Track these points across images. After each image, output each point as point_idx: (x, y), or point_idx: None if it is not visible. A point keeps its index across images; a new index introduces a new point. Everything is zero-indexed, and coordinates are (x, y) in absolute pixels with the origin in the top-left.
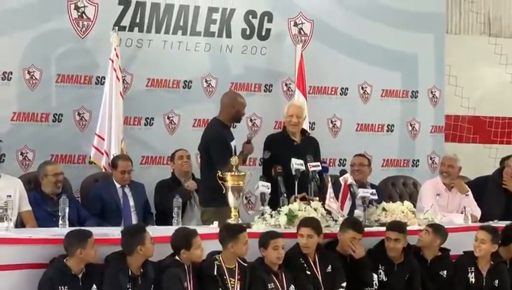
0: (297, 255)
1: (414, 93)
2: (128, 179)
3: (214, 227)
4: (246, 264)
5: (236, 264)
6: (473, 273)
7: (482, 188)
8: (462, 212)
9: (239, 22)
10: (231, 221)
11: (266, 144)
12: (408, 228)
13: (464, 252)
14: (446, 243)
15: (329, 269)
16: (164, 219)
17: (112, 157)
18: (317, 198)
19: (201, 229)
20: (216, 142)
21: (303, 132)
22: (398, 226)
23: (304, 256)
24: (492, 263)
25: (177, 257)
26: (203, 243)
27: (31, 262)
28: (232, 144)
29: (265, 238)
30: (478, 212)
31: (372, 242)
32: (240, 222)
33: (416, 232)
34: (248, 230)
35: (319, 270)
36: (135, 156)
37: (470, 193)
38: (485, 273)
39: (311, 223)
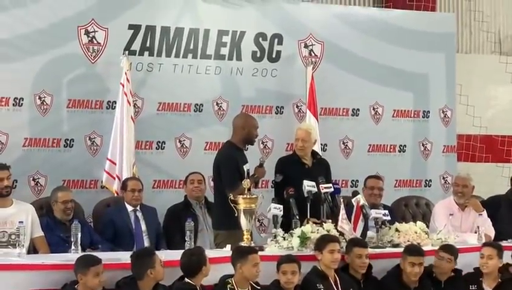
0: (315, 280)
1: (426, 113)
2: (138, 198)
3: (227, 250)
4: (259, 288)
5: (249, 288)
6: None
7: (495, 208)
8: (475, 232)
9: (249, 44)
10: (243, 244)
11: (278, 167)
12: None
13: (474, 269)
14: (460, 263)
15: None
16: (173, 244)
17: None
18: (330, 220)
19: (214, 253)
20: (226, 165)
21: (314, 154)
22: (419, 250)
23: (322, 280)
24: (500, 280)
25: (187, 280)
26: (215, 266)
27: (43, 288)
28: (245, 167)
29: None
30: (492, 232)
31: (385, 264)
32: (253, 244)
33: (430, 253)
34: (261, 253)
35: None
36: (147, 180)
37: (484, 212)
38: None
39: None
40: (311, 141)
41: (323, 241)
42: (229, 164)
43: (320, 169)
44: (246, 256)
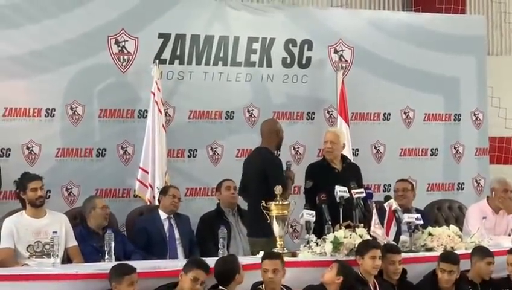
0: (355, 286)
1: (457, 116)
2: (178, 204)
3: (259, 257)
4: None
5: None
6: None
7: None
8: (509, 235)
9: (279, 50)
10: (276, 250)
11: (307, 173)
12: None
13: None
14: (494, 266)
15: None
16: (207, 251)
17: (156, 190)
18: (362, 225)
19: (247, 259)
20: (276, 170)
21: (343, 158)
22: (452, 258)
23: (362, 285)
24: None
25: (221, 287)
26: (249, 273)
27: None
28: None
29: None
30: None
31: (420, 268)
32: (286, 251)
33: (464, 256)
34: (294, 259)
35: None
36: (179, 188)
37: None
38: None
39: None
40: (340, 143)
41: (366, 247)
42: (279, 168)
43: (350, 173)
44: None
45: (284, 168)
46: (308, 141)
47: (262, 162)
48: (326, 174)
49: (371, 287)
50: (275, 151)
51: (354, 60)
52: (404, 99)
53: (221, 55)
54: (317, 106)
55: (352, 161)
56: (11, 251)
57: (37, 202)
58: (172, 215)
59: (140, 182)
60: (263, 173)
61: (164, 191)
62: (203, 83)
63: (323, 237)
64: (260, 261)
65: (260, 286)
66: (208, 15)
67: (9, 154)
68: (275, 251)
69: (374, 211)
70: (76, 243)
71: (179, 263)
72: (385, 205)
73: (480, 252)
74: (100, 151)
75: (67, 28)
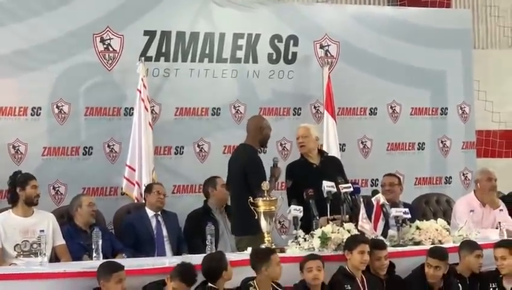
0: (343, 281)
1: (444, 110)
2: (164, 201)
3: (247, 253)
4: (280, 289)
5: (271, 289)
6: None
7: None
8: (497, 228)
9: (265, 46)
10: (264, 246)
11: (286, 173)
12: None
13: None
14: (483, 259)
15: None
16: (195, 248)
17: (143, 187)
18: (347, 216)
19: (235, 256)
20: (255, 169)
21: (321, 153)
22: (438, 254)
23: (350, 280)
24: None
25: (209, 284)
26: (236, 269)
27: None
28: None
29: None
30: None
31: (408, 262)
32: (274, 246)
33: (452, 249)
34: (282, 254)
35: None
36: (166, 186)
37: (504, 207)
38: (510, 289)
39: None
40: (312, 136)
41: (354, 242)
42: (258, 168)
43: (329, 167)
44: (269, 257)
45: (271, 165)
46: (295, 137)
47: (243, 159)
48: (305, 172)
49: (359, 283)
50: (259, 148)
51: (340, 55)
52: (391, 93)
53: (207, 51)
54: (303, 102)
55: (336, 155)
56: None
57: (35, 200)
58: (159, 213)
59: (128, 179)
60: (243, 170)
61: (148, 189)
62: (189, 79)
63: (311, 232)
64: (248, 257)
65: (251, 282)
66: (193, 12)
67: None
68: (263, 247)
69: (362, 206)
70: (63, 242)
71: (167, 260)
72: (373, 199)
73: (469, 245)
74: (87, 150)
75: (53, 26)
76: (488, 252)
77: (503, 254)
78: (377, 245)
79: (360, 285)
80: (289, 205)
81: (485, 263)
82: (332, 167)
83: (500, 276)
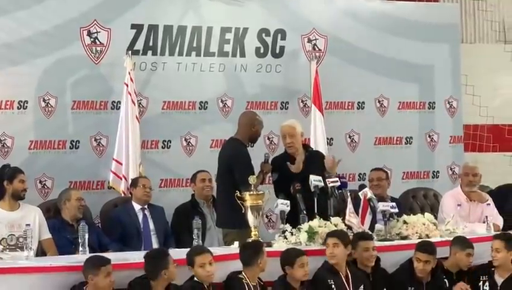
0: (326, 276)
1: (431, 105)
2: (150, 194)
3: (234, 247)
4: (262, 283)
5: (257, 283)
6: (487, 283)
7: (503, 197)
8: (484, 222)
9: (252, 40)
10: (251, 241)
11: (272, 166)
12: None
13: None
14: None
15: (361, 288)
16: (182, 242)
17: (130, 181)
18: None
19: (221, 250)
20: (242, 163)
21: (306, 147)
22: (428, 248)
23: (334, 275)
24: None
25: (195, 278)
26: (224, 263)
27: None
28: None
29: (291, 257)
30: (500, 221)
31: (394, 256)
32: (261, 241)
33: (439, 244)
34: (269, 249)
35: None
36: (154, 180)
37: (491, 201)
38: (501, 283)
39: (335, 233)
40: (298, 134)
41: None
42: (245, 162)
43: (313, 162)
44: (262, 249)
45: (262, 160)
46: (280, 134)
47: (230, 153)
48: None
49: (343, 278)
50: (248, 144)
51: (328, 49)
52: (378, 87)
53: (195, 45)
54: (291, 96)
55: (323, 150)
56: None
57: (22, 194)
58: (146, 207)
59: (114, 173)
60: (228, 164)
61: (134, 183)
62: (176, 73)
63: (298, 226)
64: (235, 252)
65: (240, 276)
66: (180, 5)
67: None
68: (250, 240)
69: (349, 200)
70: (50, 236)
71: None
72: (360, 194)
73: (461, 243)
74: (74, 143)
75: (39, 19)
76: (476, 246)
77: (498, 246)
78: (362, 237)
79: (344, 280)
80: (277, 197)
81: (474, 257)
82: (315, 162)
83: (492, 269)
